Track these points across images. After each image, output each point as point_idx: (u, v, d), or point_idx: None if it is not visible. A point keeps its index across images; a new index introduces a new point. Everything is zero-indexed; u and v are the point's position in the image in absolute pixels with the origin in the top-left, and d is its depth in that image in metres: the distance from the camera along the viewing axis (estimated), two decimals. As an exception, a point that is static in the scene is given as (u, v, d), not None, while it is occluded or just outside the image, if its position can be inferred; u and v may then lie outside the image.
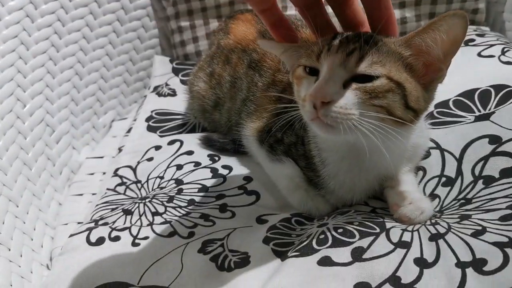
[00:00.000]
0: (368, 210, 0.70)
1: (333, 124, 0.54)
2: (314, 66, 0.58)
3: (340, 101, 0.53)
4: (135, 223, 0.73)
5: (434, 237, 0.59)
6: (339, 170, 0.68)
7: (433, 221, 0.63)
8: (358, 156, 0.65)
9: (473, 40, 0.96)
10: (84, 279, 0.60)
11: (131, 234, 0.69)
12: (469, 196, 0.66)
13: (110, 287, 0.59)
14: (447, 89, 0.81)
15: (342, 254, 0.59)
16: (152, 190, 0.80)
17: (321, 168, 0.69)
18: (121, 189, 0.82)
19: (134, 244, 0.68)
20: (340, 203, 0.72)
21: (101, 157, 1.02)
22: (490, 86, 0.80)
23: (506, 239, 0.54)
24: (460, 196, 0.66)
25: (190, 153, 0.88)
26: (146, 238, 0.69)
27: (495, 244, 0.54)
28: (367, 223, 0.65)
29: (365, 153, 0.60)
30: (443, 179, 0.70)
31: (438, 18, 0.53)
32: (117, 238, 0.69)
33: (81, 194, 0.93)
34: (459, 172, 0.70)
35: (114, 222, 0.73)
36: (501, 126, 0.71)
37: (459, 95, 0.81)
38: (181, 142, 0.91)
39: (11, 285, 0.70)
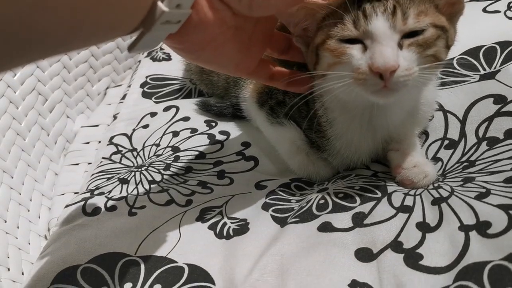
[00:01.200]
0: (370, 174, 0.69)
1: (400, 89, 0.52)
2: (356, 37, 0.53)
3: (404, 64, 0.51)
4: (131, 192, 0.71)
5: (436, 201, 0.58)
6: (348, 129, 0.66)
7: (435, 185, 0.62)
8: (370, 114, 0.63)
9: (477, -5, 0.92)
10: (81, 251, 0.59)
11: (128, 204, 0.68)
12: (472, 158, 0.64)
13: (107, 258, 0.58)
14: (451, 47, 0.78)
15: (342, 219, 0.58)
16: (148, 158, 0.79)
17: (328, 128, 0.67)
18: (116, 157, 0.80)
19: (130, 213, 0.66)
20: (343, 165, 0.71)
21: (96, 126, 1.00)
22: (496, 43, 0.77)
23: (511, 201, 0.53)
24: (464, 159, 0.65)
25: (186, 119, 0.86)
26: (143, 207, 0.67)
27: (499, 206, 0.52)
28: (368, 187, 0.63)
29: (378, 110, 0.61)
30: (446, 141, 0.69)
31: None
32: (113, 208, 0.68)
33: (77, 164, 0.92)
34: (463, 134, 0.68)
35: (110, 191, 0.72)
36: (507, 85, 0.69)
37: (463, 53, 0.78)
38: (177, 108, 0.89)
39: (9, 257, 0.69)
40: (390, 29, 0.51)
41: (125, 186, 0.73)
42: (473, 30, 0.81)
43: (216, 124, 0.85)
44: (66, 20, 0.35)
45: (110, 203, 0.69)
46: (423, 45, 0.52)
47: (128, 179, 0.74)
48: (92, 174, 0.78)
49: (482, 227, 0.51)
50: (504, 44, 0.76)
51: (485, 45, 0.78)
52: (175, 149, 0.79)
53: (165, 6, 0.42)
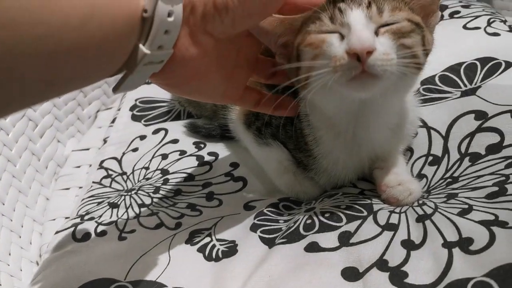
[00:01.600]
0: (357, 192, 0.70)
1: (379, 73, 0.50)
2: (333, 30, 0.53)
3: (381, 48, 0.50)
4: (121, 216, 0.72)
5: (421, 218, 0.58)
6: (334, 147, 0.67)
7: (420, 202, 0.62)
8: (353, 129, 0.64)
9: (458, 12, 0.94)
10: (71, 278, 0.59)
11: (118, 228, 0.68)
12: (455, 174, 0.65)
13: (96, 285, 0.58)
14: (433, 64, 0.79)
15: (329, 239, 0.59)
16: (138, 181, 0.80)
17: (314, 147, 0.68)
18: (106, 181, 0.81)
19: (120, 238, 0.67)
20: (330, 184, 0.72)
21: (87, 149, 1.00)
22: (476, 59, 0.79)
23: (492, 217, 0.54)
24: (447, 175, 0.66)
25: (175, 141, 0.87)
26: (132, 231, 0.68)
27: (481, 222, 0.53)
28: (354, 206, 0.64)
29: (361, 125, 0.62)
30: (430, 158, 0.70)
31: None
32: (103, 233, 0.68)
33: (67, 188, 0.92)
34: (446, 150, 0.69)
35: (100, 216, 0.72)
36: (487, 101, 0.70)
37: (445, 70, 0.80)
38: (166, 131, 0.90)
39: (1, 284, 0.69)
40: (366, 18, 0.52)
41: (115, 210, 0.73)
42: (454, 47, 0.83)
43: (205, 145, 0.86)
44: (46, 68, 0.36)
45: (100, 228, 0.69)
46: (397, 33, 0.52)
47: (118, 203, 0.75)
48: (83, 199, 0.79)
49: (465, 244, 0.52)
50: (484, 60, 0.78)
51: (466, 62, 0.79)
52: (164, 172, 0.80)
53: (147, 49, 0.43)
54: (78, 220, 0.72)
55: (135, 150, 0.87)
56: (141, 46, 0.43)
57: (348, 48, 0.50)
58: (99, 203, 0.76)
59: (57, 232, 0.71)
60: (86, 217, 0.73)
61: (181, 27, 0.46)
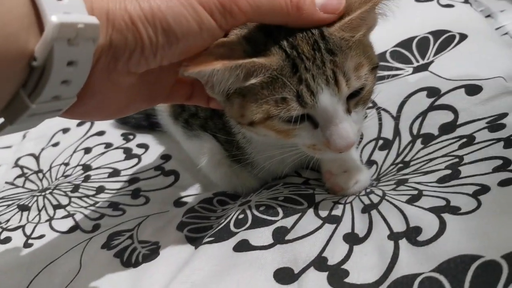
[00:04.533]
0: (300, 181, 0.62)
1: None
2: (302, 113, 0.46)
3: (356, 127, 0.47)
4: (32, 219, 0.63)
5: (367, 208, 0.51)
6: (268, 145, 0.58)
7: (368, 190, 0.55)
8: None
9: (410, -16, 0.87)
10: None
11: (25, 234, 0.60)
12: (407, 158, 0.58)
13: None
14: (384, 40, 0.73)
15: (261, 235, 0.51)
16: (56, 179, 0.70)
17: (246, 145, 0.60)
18: (19, 181, 0.72)
19: (26, 245, 0.58)
20: (270, 176, 0.64)
21: (9, 147, 0.90)
22: (429, 33, 0.72)
23: (443, 202, 0.47)
24: (398, 160, 0.59)
25: (101, 133, 0.78)
26: (41, 236, 0.59)
27: (431, 209, 0.46)
28: (294, 197, 0.56)
29: None
30: (380, 141, 0.63)
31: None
32: (7, 240, 0.60)
33: (-15, 190, 0.81)
34: (397, 132, 0.62)
35: (7, 220, 0.63)
36: (440, 76, 0.63)
37: (396, 45, 0.73)
38: (92, 122, 0.81)
39: None
40: (339, 102, 0.45)
41: (25, 213, 0.64)
42: (406, 21, 0.76)
43: (134, 136, 0.77)
44: None
45: (4, 234, 0.60)
46: (366, 99, 0.48)
47: (30, 205, 0.65)
48: (-8, 202, 0.69)
49: (412, 234, 0.45)
50: (437, 33, 0.71)
51: (418, 36, 0.72)
52: (86, 167, 0.71)
53: (32, 101, 0.34)
54: (-18, 226, 0.63)
55: (55, 145, 0.78)
56: (23, 95, 0.34)
57: (332, 146, 0.46)
58: (8, 206, 0.67)
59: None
60: (-9, 223, 0.63)
61: (94, 71, 0.38)
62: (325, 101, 0.44)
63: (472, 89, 0.59)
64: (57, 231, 0.60)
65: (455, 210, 0.45)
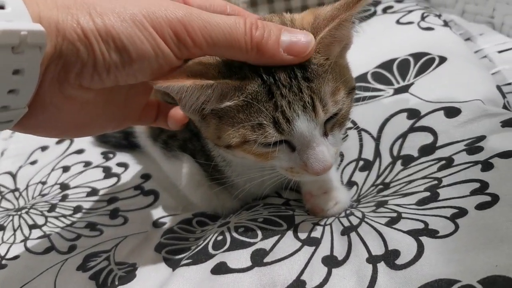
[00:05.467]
0: (280, 202, 0.62)
1: None
2: (280, 139, 0.46)
3: (332, 150, 0.47)
4: (7, 240, 0.61)
5: (346, 231, 0.51)
6: (248, 168, 0.57)
7: (348, 212, 0.55)
8: None
9: (391, 7, 0.89)
10: None
11: (-2, 254, 0.58)
12: (387, 180, 0.58)
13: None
14: (365, 61, 0.73)
15: (240, 258, 0.50)
16: (32, 198, 0.69)
17: (226, 168, 0.60)
18: (-5, 200, 0.70)
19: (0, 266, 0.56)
20: (250, 197, 0.63)
21: (-13, 165, 0.88)
22: (410, 55, 0.73)
23: (421, 225, 0.46)
24: (378, 181, 0.59)
25: (80, 152, 0.77)
26: (15, 258, 0.58)
27: (409, 232, 0.46)
28: (273, 218, 0.56)
29: None
30: (361, 162, 0.63)
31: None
32: (-21, 261, 0.57)
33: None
34: (377, 153, 0.62)
35: (-19, 241, 0.61)
36: (420, 98, 0.64)
37: (377, 67, 0.74)
38: (71, 140, 0.80)
39: None
40: (316, 127, 0.45)
41: (0, 233, 0.62)
42: (387, 42, 0.77)
43: (114, 155, 0.76)
44: None
45: (-23, 255, 0.58)
46: (342, 121, 0.49)
47: (5, 224, 0.64)
48: (-35, 222, 0.67)
49: (391, 257, 0.44)
50: (417, 56, 0.72)
51: (399, 57, 0.73)
52: (64, 186, 0.70)
53: None
54: (-47, 247, 0.61)
55: (33, 163, 0.76)
56: None
57: (310, 170, 0.46)
58: (-18, 226, 0.65)
59: None
60: (-37, 243, 0.61)
61: (44, 82, 0.37)
62: (302, 127, 0.44)
63: (451, 112, 0.59)
64: (32, 252, 0.58)
65: (433, 233, 0.45)
